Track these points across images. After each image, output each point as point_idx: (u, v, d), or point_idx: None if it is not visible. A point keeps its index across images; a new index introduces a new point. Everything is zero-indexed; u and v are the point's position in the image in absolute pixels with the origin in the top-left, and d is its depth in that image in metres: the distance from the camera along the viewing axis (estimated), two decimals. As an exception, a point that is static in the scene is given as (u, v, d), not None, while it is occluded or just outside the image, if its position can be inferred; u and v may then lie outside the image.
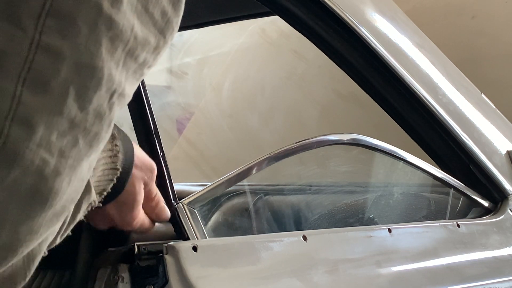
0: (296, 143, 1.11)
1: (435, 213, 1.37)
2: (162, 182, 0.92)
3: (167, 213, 0.90)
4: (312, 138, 1.14)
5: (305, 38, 1.30)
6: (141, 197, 0.84)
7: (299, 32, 1.29)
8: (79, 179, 0.50)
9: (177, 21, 0.54)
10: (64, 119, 0.46)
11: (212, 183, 1.00)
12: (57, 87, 0.46)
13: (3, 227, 0.45)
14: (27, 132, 0.45)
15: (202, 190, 0.98)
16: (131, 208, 0.84)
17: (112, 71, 0.49)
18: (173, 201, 0.93)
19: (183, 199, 0.95)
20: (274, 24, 2.85)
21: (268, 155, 1.06)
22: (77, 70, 0.46)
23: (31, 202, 0.46)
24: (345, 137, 1.22)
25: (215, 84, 3.11)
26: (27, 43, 0.44)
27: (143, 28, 0.50)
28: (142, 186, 0.84)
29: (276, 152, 1.07)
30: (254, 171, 1.03)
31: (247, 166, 1.03)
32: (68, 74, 0.46)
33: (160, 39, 0.52)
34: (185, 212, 0.94)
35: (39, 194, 0.46)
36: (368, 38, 1.28)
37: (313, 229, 1.17)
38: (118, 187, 0.76)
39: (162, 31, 0.52)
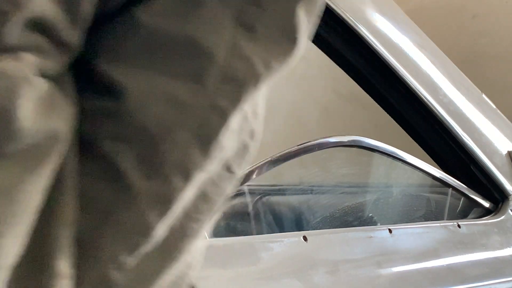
0: (296, 146, 1.11)
1: (436, 214, 1.37)
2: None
3: None
4: (312, 140, 1.14)
5: (305, 38, 1.30)
6: None
7: (299, 32, 1.29)
8: None
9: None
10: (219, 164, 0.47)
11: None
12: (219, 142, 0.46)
13: None
14: None
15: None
16: None
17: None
18: None
19: None
20: (274, 24, 2.85)
21: (269, 158, 1.06)
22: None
23: None
24: (345, 139, 1.21)
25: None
26: None
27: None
28: None
29: (277, 155, 1.07)
30: (255, 175, 1.03)
31: (248, 170, 1.03)
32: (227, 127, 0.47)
33: None
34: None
35: None
36: (369, 38, 1.28)
37: (313, 229, 1.17)
38: None
39: None
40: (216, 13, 0.44)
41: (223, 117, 0.44)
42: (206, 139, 0.43)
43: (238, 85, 0.45)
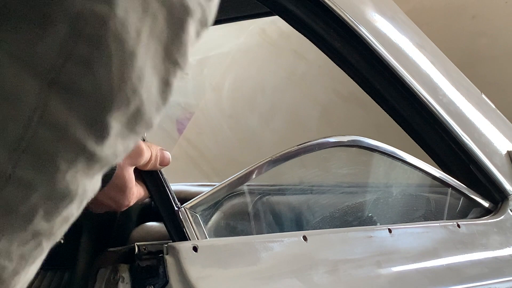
0: (296, 146, 1.11)
1: (436, 214, 1.37)
2: (162, 190, 0.93)
3: (168, 155, 0.91)
4: (312, 140, 1.14)
5: (305, 38, 1.30)
6: (131, 179, 0.87)
7: (299, 32, 1.29)
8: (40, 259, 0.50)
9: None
10: (28, 233, 0.46)
11: (213, 187, 1.00)
12: (25, 211, 0.45)
13: None
14: None
15: (204, 194, 0.98)
16: (123, 191, 0.86)
17: (86, 187, 0.47)
18: (175, 207, 0.93)
19: (185, 204, 0.95)
20: (274, 24, 2.86)
21: (269, 158, 1.06)
22: (49, 197, 0.45)
23: None
24: (345, 138, 1.22)
25: (215, 84, 3.11)
26: None
27: (124, 143, 0.48)
28: (131, 170, 0.86)
29: (277, 155, 1.07)
30: (255, 175, 1.04)
31: (248, 170, 1.03)
32: (39, 200, 0.45)
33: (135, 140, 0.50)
34: (188, 217, 0.94)
35: None
36: (368, 38, 1.28)
37: (313, 229, 1.17)
38: (107, 174, 0.76)
39: (140, 133, 0.50)
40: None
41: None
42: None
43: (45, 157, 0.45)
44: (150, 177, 0.92)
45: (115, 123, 0.45)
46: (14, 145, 0.43)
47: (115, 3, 0.42)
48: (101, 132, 0.45)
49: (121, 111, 0.45)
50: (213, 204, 1.01)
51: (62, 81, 0.42)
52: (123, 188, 0.86)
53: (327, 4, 1.24)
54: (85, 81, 0.43)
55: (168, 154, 0.91)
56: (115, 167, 0.83)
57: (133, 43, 0.43)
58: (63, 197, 0.46)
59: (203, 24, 0.49)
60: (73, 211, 0.48)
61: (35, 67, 0.42)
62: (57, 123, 0.43)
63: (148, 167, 0.90)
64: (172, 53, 0.47)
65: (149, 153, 0.88)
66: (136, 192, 0.89)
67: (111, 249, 0.94)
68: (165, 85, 0.48)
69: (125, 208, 0.90)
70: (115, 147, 0.47)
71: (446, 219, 1.35)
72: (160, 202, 0.92)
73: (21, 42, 0.41)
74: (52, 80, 0.42)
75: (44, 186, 0.45)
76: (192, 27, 0.47)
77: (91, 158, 0.45)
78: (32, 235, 0.46)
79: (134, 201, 0.89)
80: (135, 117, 0.46)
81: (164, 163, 0.91)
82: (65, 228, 0.48)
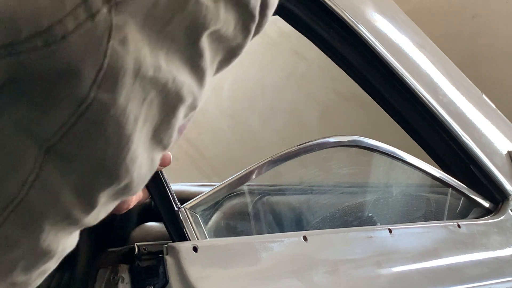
0: (296, 146, 1.11)
1: (436, 214, 1.37)
2: (162, 190, 0.92)
3: (168, 155, 0.92)
4: (312, 140, 1.14)
5: (305, 38, 1.30)
6: None
7: (299, 32, 1.29)
8: None
9: None
10: (5, 284, 0.48)
11: (213, 188, 1.00)
12: (6, 264, 0.47)
13: None
14: None
15: (204, 194, 0.98)
16: None
17: (65, 245, 0.50)
18: (175, 207, 0.93)
19: (185, 204, 0.95)
20: (274, 24, 2.85)
21: (269, 159, 1.06)
22: (31, 253, 0.47)
23: None
24: (345, 139, 1.21)
25: (215, 84, 3.10)
26: None
27: (107, 209, 0.51)
28: None
29: (277, 155, 1.07)
30: (255, 175, 1.03)
31: (248, 170, 1.03)
32: (21, 256, 0.47)
33: None
34: (188, 217, 0.93)
35: None
36: (369, 38, 1.28)
37: (313, 229, 1.17)
38: None
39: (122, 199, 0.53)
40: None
41: None
42: None
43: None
44: (150, 177, 0.92)
45: (103, 198, 0.48)
46: (5, 204, 0.45)
47: (118, 93, 0.44)
48: (89, 205, 0.48)
49: (112, 188, 0.48)
50: (213, 204, 1.00)
51: (59, 150, 0.45)
52: None
53: (327, 4, 1.24)
54: (81, 156, 0.46)
55: (168, 155, 0.91)
56: None
57: (130, 128, 0.46)
58: (44, 254, 0.48)
59: (192, 108, 0.52)
60: (51, 265, 0.50)
61: (36, 135, 0.44)
62: (49, 188, 0.45)
63: None
64: (159, 134, 0.50)
65: None
66: (136, 195, 0.89)
67: (111, 249, 0.94)
68: (151, 163, 0.51)
69: (125, 211, 0.90)
70: (98, 215, 0.50)
71: (447, 219, 1.35)
72: (160, 202, 0.92)
73: (28, 114, 0.44)
74: (49, 147, 0.44)
75: (27, 244, 0.47)
76: (181, 112, 0.50)
77: (74, 223, 0.48)
78: (8, 285, 0.48)
79: (134, 204, 0.89)
80: (123, 191, 0.50)
81: (165, 164, 0.91)
82: (40, 279, 0.51)
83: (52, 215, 0.46)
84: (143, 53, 0.44)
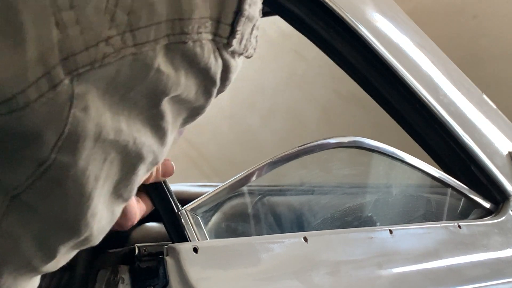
0: (297, 147, 1.11)
1: (437, 214, 1.37)
2: (162, 193, 0.92)
3: (170, 165, 0.92)
4: (313, 142, 1.14)
5: (305, 38, 1.30)
6: (131, 203, 0.85)
7: (299, 32, 1.29)
8: None
9: None
10: None
11: (214, 189, 1.00)
12: None
13: None
14: None
15: (204, 196, 0.98)
16: (125, 214, 0.84)
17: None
18: (175, 209, 0.93)
19: (186, 206, 0.94)
20: (274, 24, 2.85)
21: (269, 160, 1.06)
22: None
23: None
24: (346, 139, 1.21)
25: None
26: None
27: (66, 258, 0.54)
28: None
29: (277, 156, 1.07)
30: (255, 177, 1.03)
31: (248, 172, 1.03)
32: None
33: None
34: (189, 219, 0.93)
35: None
36: (369, 38, 1.28)
37: (314, 230, 1.17)
38: None
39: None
40: None
41: None
42: None
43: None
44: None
45: (63, 249, 0.51)
46: None
47: (78, 155, 0.47)
48: (48, 255, 0.50)
49: (71, 241, 0.51)
50: (214, 205, 1.00)
51: (24, 199, 0.47)
52: (124, 212, 0.84)
53: (327, 4, 1.23)
54: (43, 208, 0.48)
55: (171, 164, 0.91)
56: None
57: (90, 186, 0.49)
58: None
59: (153, 164, 0.54)
60: None
61: (3, 183, 0.47)
62: (10, 235, 0.48)
63: (151, 180, 0.88)
64: (120, 189, 0.52)
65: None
66: (139, 210, 0.88)
67: (111, 250, 0.93)
68: (111, 215, 0.54)
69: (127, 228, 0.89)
70: (58, 263, 0.52)
71: (447, 220, 1.35)
72: (161, 205, 0.92)
73: None
74: (15, 196, 0.47)
75: None
76: (142, 169, 0.53)
77: (33, 270, 0.51)
78: None
79: (138, 219, 0.88)
80: (82, 243, 0.52)
81: (167, 174, 0.91)
82: None
83: (11, 260, 0.49)
84: (104, 118, 0.47)
